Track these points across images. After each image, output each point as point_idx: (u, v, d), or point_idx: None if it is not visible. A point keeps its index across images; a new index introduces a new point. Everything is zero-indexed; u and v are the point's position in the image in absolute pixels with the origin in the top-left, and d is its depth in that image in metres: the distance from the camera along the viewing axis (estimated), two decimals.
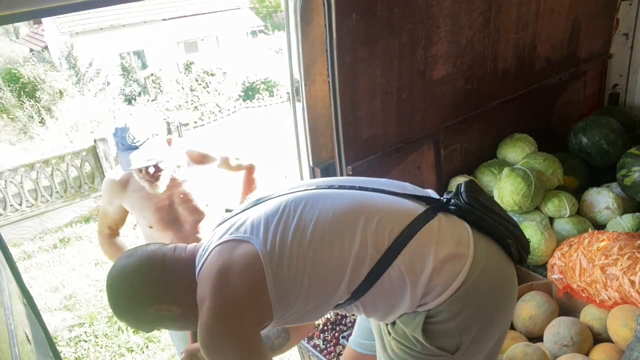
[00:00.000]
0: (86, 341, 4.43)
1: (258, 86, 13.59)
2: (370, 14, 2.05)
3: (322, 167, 2.31)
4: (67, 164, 7.95)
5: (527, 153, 2.76)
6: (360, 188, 1.26)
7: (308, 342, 2.28)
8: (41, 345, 1.57)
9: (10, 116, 12.87)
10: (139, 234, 2.91)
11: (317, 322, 2.35)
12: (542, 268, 2.29)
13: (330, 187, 1.27)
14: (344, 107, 2.13)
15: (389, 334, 1.28)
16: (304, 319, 1.23)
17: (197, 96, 12.63)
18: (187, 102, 12.52)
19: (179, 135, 8.68)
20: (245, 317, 1.12)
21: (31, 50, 17.73)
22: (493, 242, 1.23)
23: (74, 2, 1.34)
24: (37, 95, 12.61)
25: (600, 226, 2.44)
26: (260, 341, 1.15)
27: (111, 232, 2.13)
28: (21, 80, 13.47)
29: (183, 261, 1.21)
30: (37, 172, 7.71)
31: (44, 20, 15.41)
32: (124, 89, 14.34)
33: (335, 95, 2.09)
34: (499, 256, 1.23)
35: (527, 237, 2.23)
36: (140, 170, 1.85)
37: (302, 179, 2.39)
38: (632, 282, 1.85)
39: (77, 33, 15.12)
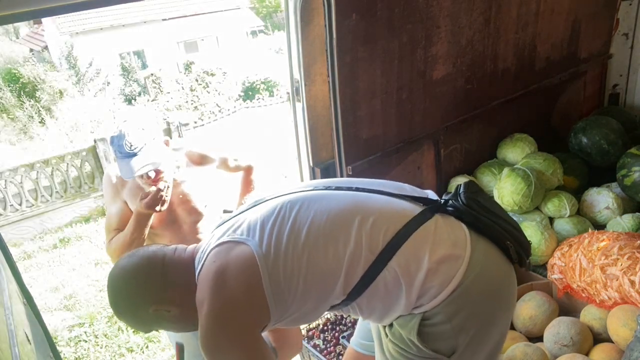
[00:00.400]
0: (86, 341, 4.44)
1: (258, 86, 13.59)
2: (370, 14, 2.05)
3: (322, 167, 2.31)
4: (67, 164, 7.95)
5: (527, 153, 2.76)
6: (357, 189, 1.26)
7: (308, 342, 2.28)
8: (41, 345, 1.57)
9: (10, 116, 12.87)
10: None
11: (317, 322, 2.35)
12: (542, 268, 2.29)
13: (327, 188, 1.27)
14: (344, 107, 2.13)
15: (386, 336, 1.28)
16: (302, 320, 1.23)
17: (197, 96, 12.63)
18: (187, 102, 12.52)
19: (179, 136, 8.67)
20: (244, 318, 1.13)
21: (31, 50, 17.73)
22: (491, 244, 1.22)
23: (74, 2, 1.34)
24: (37, 95, 12.62)
25: (600, 226, 2.44)
26: (261, 341, 1.15)
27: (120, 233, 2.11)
28: (21, 80, 13.48)
29: (183, 262, 1.22)
30: (37, 172, 7.71)
31: (44, 20, 15.41)
32: (124, 89, 14.34)
33: (335, 95, 2.09)
34: (497, 258, 1.22)
35: (527, 237, 2.26)
36: (142, 176, 1.84)
37: (302, 179, 2.39)
38: (632, 282, 1.85)
39: (77, 33, 15.11)
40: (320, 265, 1.14)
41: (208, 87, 12.95)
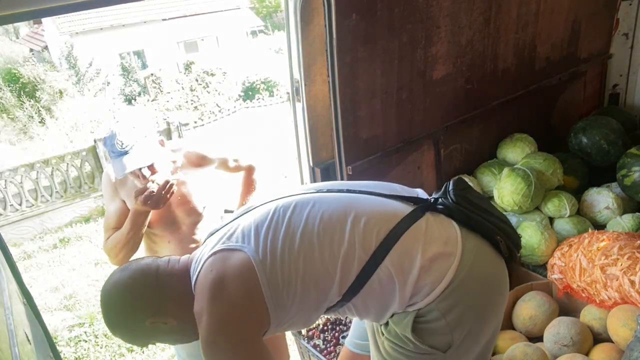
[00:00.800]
0: (86, 341, 4.44)
1: (258, 86, 13.59)
2: (370, 14, 2.05)
3: (322, 167, 2.31)
4: (67, 164, 7.95)
5: (527, 153, 2.76)
6: (348, 191, 1.27)
7: (308, 342, 2.28)
8: (41, 345, 1.57)
9: (10, 116, 12.88)
10: None
11: (317, 322, 2.35)
12: (542, 268, 2.29)
13: (319, 191, 1.28)
14: (344, 107, 2.13)
15: (382, 334, 1.29)
16: (300, 323, 1.24)
17: (197, 96, 12.63)
18: (187, 102, 12.52)
19: (179, 136, 8.65)
20: (244, 325, 1.12)
21: (31, 50, 17.73)
22: (482, 240, 1.24)
23: (74, 2, 1.34)
24: (37, 95, 12.62)
25: (600, 226, 2.44)
26: (263, 347, 1.15)
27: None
28: (21, 80, 13.48)
29: (177, 273, 1.22)
30: (37, 172, 7.71)
31: (44, 20, 15.41)
32: (124, 89, 14.34)
33: (335, 95, 2.09)
34: (488, 254, 1.24)
35: (527, 237, 2.27)
36: (137, 175, 1.84)
37: (302, 179, 2.39)
38: (632, 282, 1.85)
39: (77, 33, 15.11)
40: (316, 267, 1.15)
41: (208, 87, 12.95)
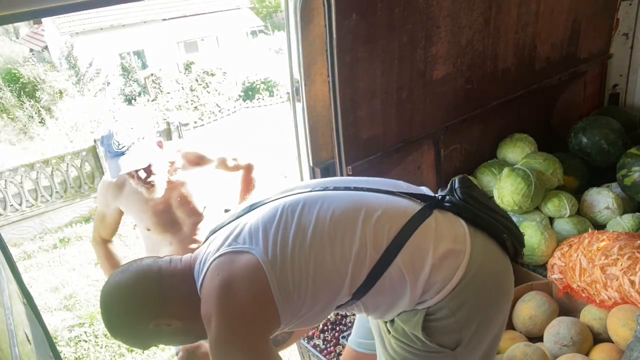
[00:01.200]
0: (86, 341, 4.44)
1: (258, 86, 13.58)
2: (370, 14, 2.05)
3: (322, 167, 2.31)
4: (67, 164, 7.95)
5: (527, 153, 2.76)
6: (355, 189, 1.26)
7: (308, 342, 2.28)
8: (41, 345, 1.57)
9: (10, 116, 12.87)
10: (139, 234, 2.91)
11: None
12: (542, 268, 2.29)
13: (325, 188, 1.26)
14: (344, 107, 2.13)
15: (389, 332, 1.28)
16: (310, 322, 1.23)
17: (197, 96, 12.63)
18: (187, 102, 12.51)
19: (179, 136, 8.65)
20: (254, 328, 1.11)
21: (31, 50, 17.72)
22: (489, 238, 1.24)
23: (74, 2, 1.34)
24: (37, 95, 12.61)
25: (600, 226, 2.44)
26: (271, 348, 1.14)
27: (103, 240, 2.11)
28: (21, 80, 13.48)
29: (180, 273, 1.19)
30: (37, 172, 7.71)
31: (44, 20, 15.40)
32: (124, 89, 14.33)
33: (335, 95, 2.09)
34: (495, 251, 1.24)
35: (527, 237, 2.27)
36: (132, 176, 1.84)
37: (302, 179, 2.39)
38: (632, 282, 1.85)
39: (77, 33, 15.10)
40: (327, 267, 1.14)
41: (208, 87, 12.94)
